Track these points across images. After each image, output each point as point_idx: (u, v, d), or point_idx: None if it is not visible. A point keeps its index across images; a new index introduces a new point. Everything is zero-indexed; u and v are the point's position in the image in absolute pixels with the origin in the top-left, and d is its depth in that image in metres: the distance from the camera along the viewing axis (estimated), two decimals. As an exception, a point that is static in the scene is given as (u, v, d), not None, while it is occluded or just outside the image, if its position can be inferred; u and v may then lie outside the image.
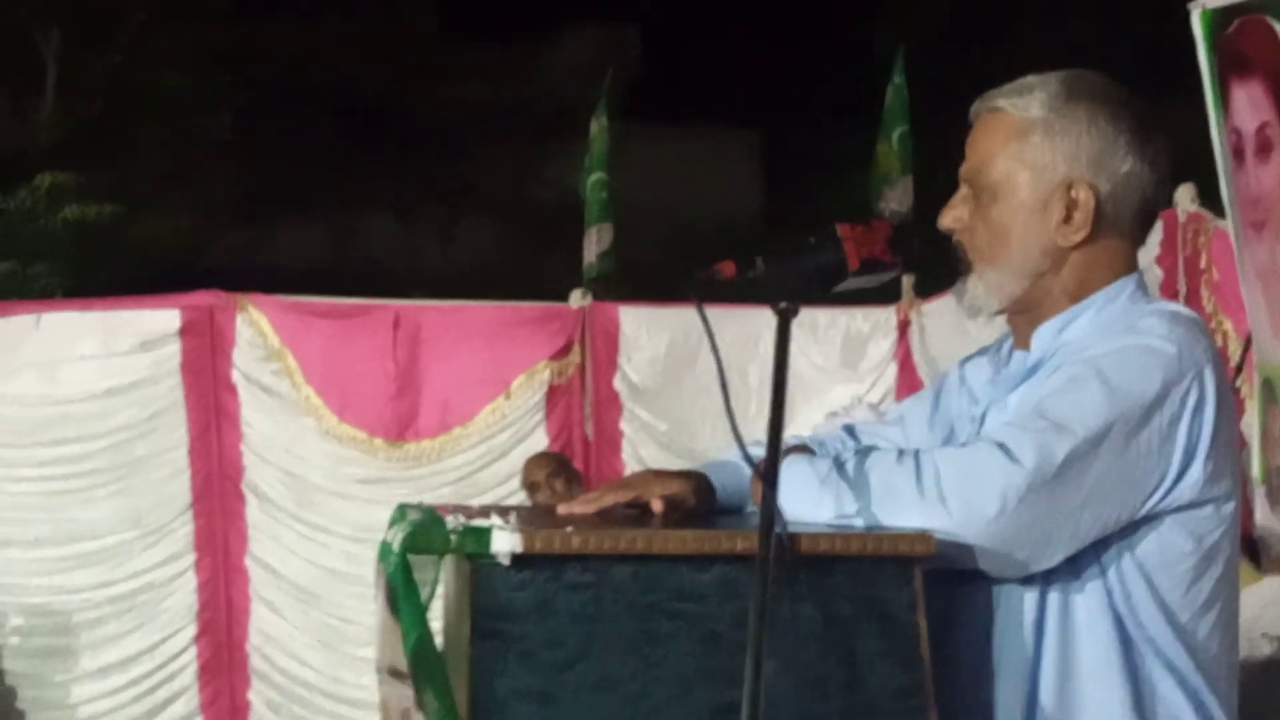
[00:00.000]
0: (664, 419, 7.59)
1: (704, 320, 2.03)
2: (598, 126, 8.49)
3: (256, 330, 7.44)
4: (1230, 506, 2.05)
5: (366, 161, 16.18)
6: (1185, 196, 5.50)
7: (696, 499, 2.11)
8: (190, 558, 7.44)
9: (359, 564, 6.77)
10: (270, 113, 15.41)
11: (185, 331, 7.40)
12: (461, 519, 1.84)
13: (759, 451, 1.92)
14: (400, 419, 7.50)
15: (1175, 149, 2.13)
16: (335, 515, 7.43)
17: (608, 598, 1.80)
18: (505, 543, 1.77)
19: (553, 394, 7.58)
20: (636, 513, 2.05)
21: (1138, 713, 2.00)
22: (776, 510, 1.80)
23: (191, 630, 7.46)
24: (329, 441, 7.45)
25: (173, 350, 7.40)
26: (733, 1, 17.27)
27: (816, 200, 13.58)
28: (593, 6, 17.28)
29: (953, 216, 2.14)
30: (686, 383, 7.41)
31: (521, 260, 15.00)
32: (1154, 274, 5.51)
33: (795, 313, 1.95)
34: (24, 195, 12.62)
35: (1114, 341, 2.02)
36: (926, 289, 7.24)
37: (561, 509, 2.05)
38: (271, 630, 7.52)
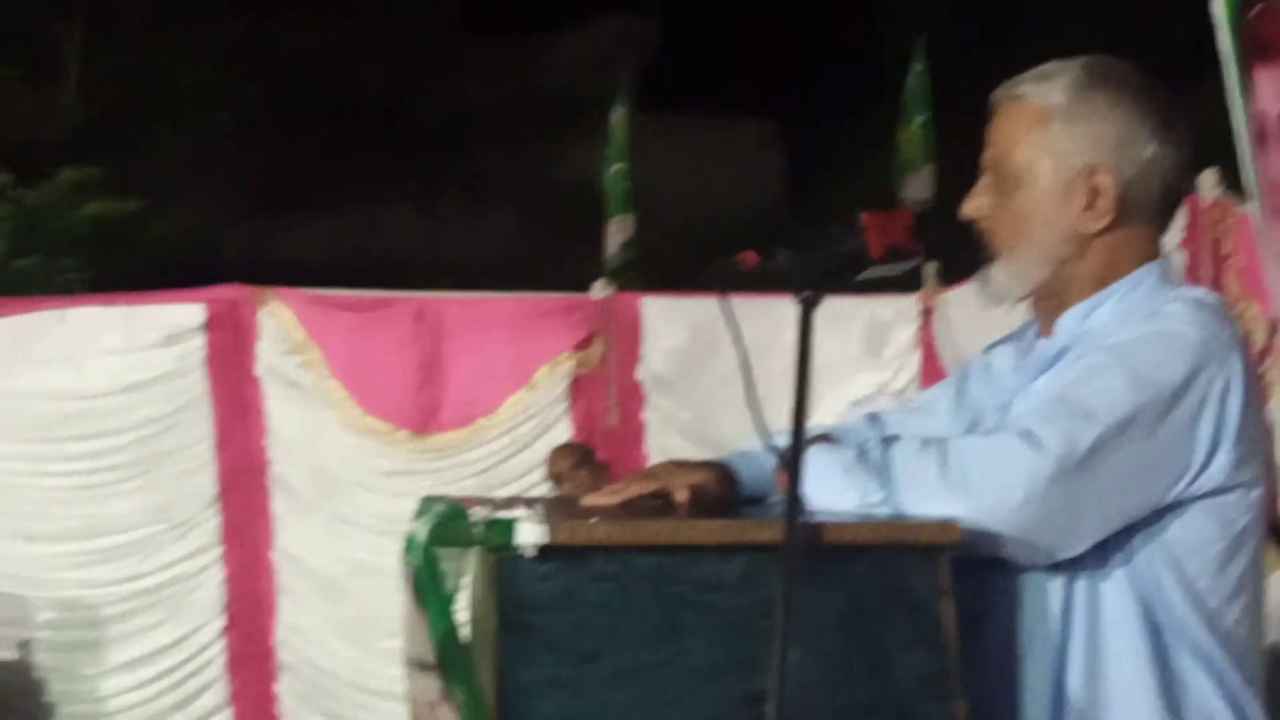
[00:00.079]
0: (687, 408, 7.59)
1: (726, 311, 2.03)
2: (617, 117, 8.50)
3: (280, 324, 7.46)
4: (1257, 492, 2.04)
5: (387, 153, 16.20)
6: (1208, 182, 5.47)
7: (720, 489, 2.11)
8: (217, 550, 7.47)
9: (385, 555, 6.73)
10: (290, 105, 15.45)
11: (209, 325, 7.42)
12: (486, 511, 1.85)
13: (782, 441, 1.92)
14: (424, 411, 7.52)
15: (1198, 134, 2.13)
16: (360, 507, 7.44)
17: (633, 588, 1.80)
18: (530, 535, 1.77)
19: (576, 385, 7.59)
20: (661, 504, 2.05)
21: (1166, 699, 1.99)
22: (801, 500, 1.80)
23: (219, 623, 7.49)
24: (353, 434, 7.47)
25: (197, 344, 7.42)
26: (751, -9, 17.26)
27: (837, 188, 13.57)
28: (611, -2, 17.30)
29: (975, 205, 2.13)
30: (709, 372, 7.40)
31: (542, 250, 15.00)
32: (1177, 259, 5.48)
33: (818, 302, 1.94)
34: (47, 190, 12.66)
35: (1138, 328, 2.02)
36: (949, 276, 7.23)
37: (586, 500, 2.06)
38: (298, 622, 7.54)
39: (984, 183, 2.14)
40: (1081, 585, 1.99)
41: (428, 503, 2.06)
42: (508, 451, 7.52)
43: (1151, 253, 2.12)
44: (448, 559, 1.89)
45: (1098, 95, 2.07)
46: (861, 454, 1.98)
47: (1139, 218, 2.09)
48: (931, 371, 7.41)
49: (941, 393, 2.32)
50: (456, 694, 1.83)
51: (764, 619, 1.75)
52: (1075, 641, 2.00)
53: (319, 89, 15.92)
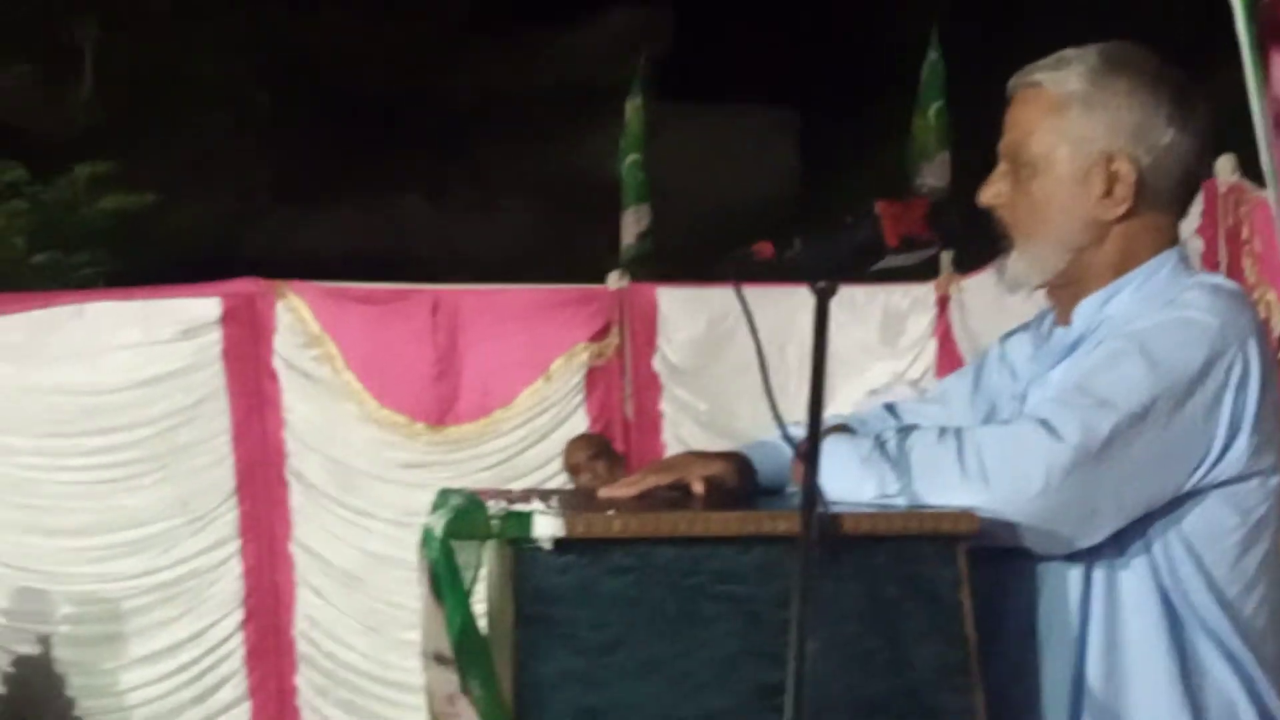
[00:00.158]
0: (703, 399, 7.58)
1: (742, 302, 2.02)
2: (632, 108, 8.49)
3: (296, 317, 7.47)
4: (1276, 480, 2.03)
5: (402, 146, 16.20)
6: (1226, 167, 5.45)
7: (737, 480, 2.11)
8: (235, 544, 7.48)
9: (402, 547, 6.79)
10: (305, 98, 15.46)
11: (226, 319, 7.43)
12: (503, 504, 1.85)
13: (799, 432, 1.91)
14: (441, 403, 7.52)
15: (1214, 119, 2.11)
16: (378, 499, 7.46)
17: (650, 580, 1.80)
18: (547, 527, 1.77)
19: (592, 376, 7.59)
20: (678, 495, 2.05)
21: (1185, 688, 1.98)
22: (818, 490, 1.80)
23: (238, 616, 7.50)
24: (370, 426, 7.48)
25: (214, 338, 7.43)
26: (765, -22, 17.22)
27: (853, 176, 13.54)
28: (626, -14, 17.29)
29: (993, 192, 2.13)
30: (725, 362, 7.40)
31: (559, 240, 15.00)
32: (1195, 245, 5.46)
33: (834, 292, 1.93)
34: (63, 185, 12.69)
35: (1156, 315, 2.01)
36: (965, 264, 7.21)
37: (603, 492, 2.06)
38: (317, 615, 7.55)
39: (1001, 170, 2.13)
40: (1100, 574, 1.99)
41: (444, 496, 2.06)
42: (524, 443, 7.53)
43: (1169, 240, 2.11)
44: (465, 552, 1.89)
45: (1115, 82, 2.06)
46: (879, 444, 1.97)
47: (1157, 204, 2.08)
48: (948, 360, 7.39)
49: (958, 382, 2.32)
50: (474, 687, 1.83)
51: (782, 610, 1.75)
52: (1094, 630, 1.99)
53: (333, 82, 15.92)
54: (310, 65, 15.70)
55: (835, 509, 1.83)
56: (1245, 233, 5.44)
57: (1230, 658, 2.00)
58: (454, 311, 7.57)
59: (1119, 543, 1.97)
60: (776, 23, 17.35)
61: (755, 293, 2.02)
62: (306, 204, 16.48)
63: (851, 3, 16.61)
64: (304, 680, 7.59)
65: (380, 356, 7.49)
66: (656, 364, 7.66)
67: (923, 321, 7.61)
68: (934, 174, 8.24)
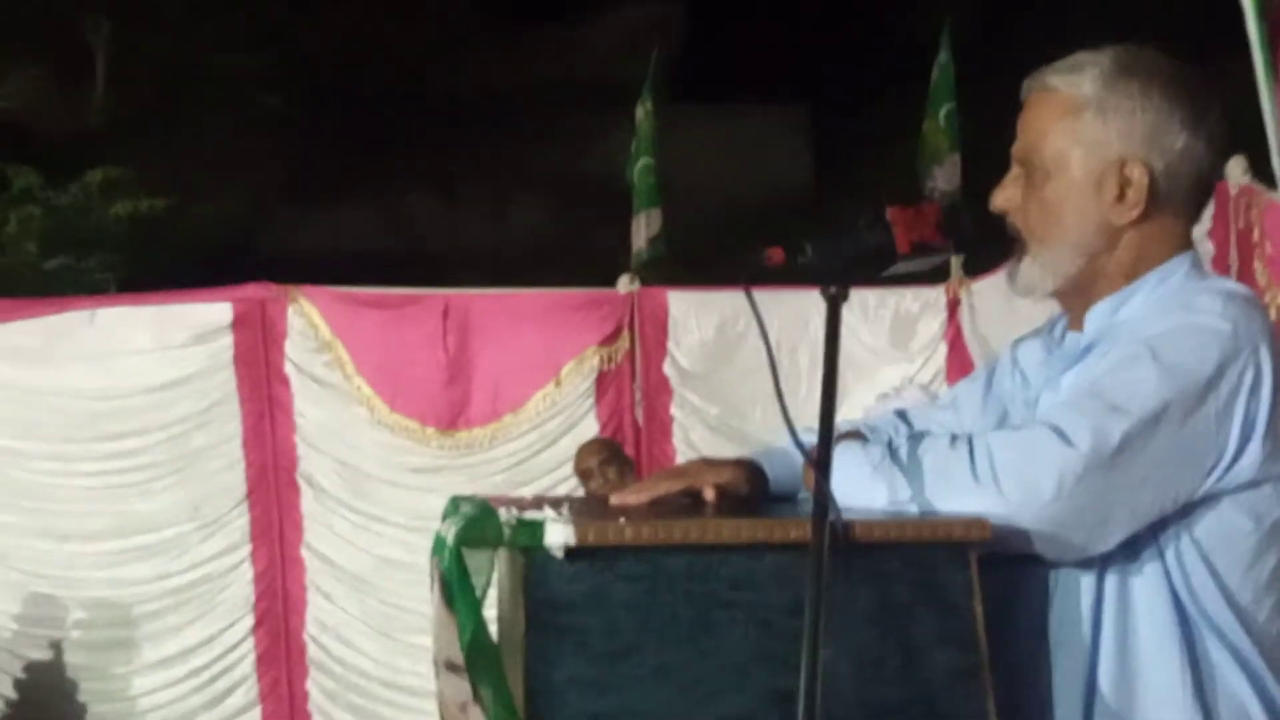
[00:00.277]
0: (714, 403, 7.58)
1: (753, 306, 2.02)
2: (643, 111, 8.47)
3: (308, 321, 7.49)
4: (1289, 485, 2.03)
5: (413, 145, 16.22)
6: (1237, 169, 5.44)
7: (749, 487, 2.10)
8: (247, 548, 7.50)
9: (413, 552, 6.80)
10: (315, 102, 15.48)
11: (237, 324, 7.45)
12: (514, 511, 1.84)
13: (811, 438, 1.91)
14: (451, 407, 7.53)
15: (1228, 123, 2.11)
16: (389, 504, 7.46)
17: (662, 588, 1.79)
18: (559, 535, 1.76)
19: (602, 380, 7.59)
20: (689, 502, 2.04)
21: (1198, 695, 1.97)
22: (830, 498, 1.79)
23: (249, 620, 7.52)
24: (381, 431, 7.49)
25: (226, 343, 7.45)
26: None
27: (864, 175, 13.53)
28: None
29: (1005, 197, 2.12)
30: (736, 366, 7.40)
31: (571, 238, 15.01)
32: (1206, 247, 5.45)
33: (845, 297, 1.93)
34: (75, 191, 12.72)
35: (1168, 320, 2.00)
36: (975, 267, 7.20)
37: (614, 499, 2.05)
38: (328, 619, 7.56)
39: (1013, 174, 2.12)
40: (1112, 580, 1.98)
41: (456, 503, 2.05)
42: (535, 447, 7.53)
43: (1182, 244, 2.11)
44: (476, 560, 1.88)
45: (1129, 85, 2.05)
46: (890, 451, 1.97)
47: (1170, 209, 2.08)
48: (958, 362, 7.39)
49: (969, 388, 2.31)
50: (486, 695, 1.83)
51: (794, 617, 1.74)
52: (1106, 636, 1.98)
53: (343, 84, 15.95)
54: (321, 67, 15.72)
55: (847, 516, 1.83)
56: (1256, 235, 5.43)
57: (1243, 664, 1.99)
58: (464, 316, 7.58)
59: (1131, 548, 1.96)
60: (786, 21, 17.35)
61: (766, 296, 2.02)
62: (319, 205, 16.51)
63: (862, 2, 16.60)
64: (315, 685, 7.60)
65: (391, 361, 7.50)
66: (667, 368, 7.66)
67: (933, 324, 7.61)
68: (944, 177, 8.22)
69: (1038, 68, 2.13)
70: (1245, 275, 5.31)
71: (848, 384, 6.59)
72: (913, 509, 1.92)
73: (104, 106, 14.88)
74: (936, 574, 1.83)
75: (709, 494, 2.05)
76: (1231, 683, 1.98)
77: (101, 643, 7.43)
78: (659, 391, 7.64)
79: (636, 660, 1.78)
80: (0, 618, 7.31)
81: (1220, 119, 2.08)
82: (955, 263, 7.37)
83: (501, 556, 1.93)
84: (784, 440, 2.05)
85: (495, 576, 1.95)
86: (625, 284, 7.71)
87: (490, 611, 1.93)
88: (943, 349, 7.57)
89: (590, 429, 7.46)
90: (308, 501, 7.53)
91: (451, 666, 1.95)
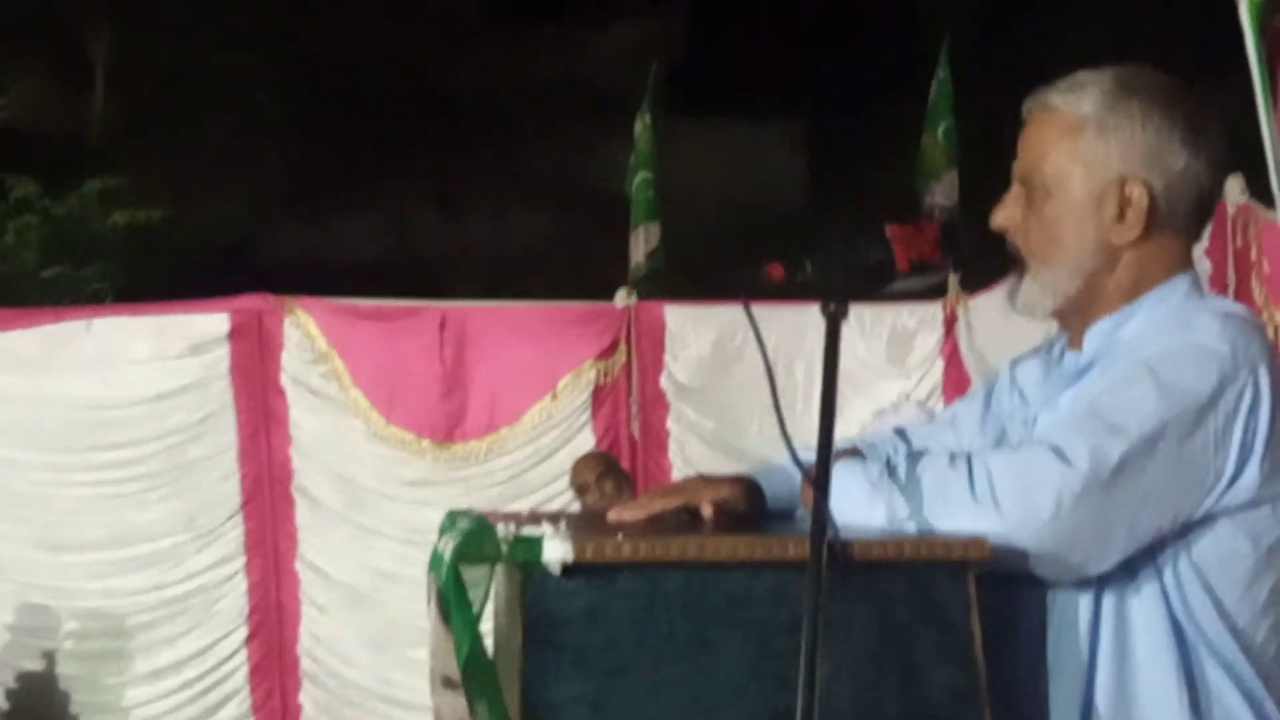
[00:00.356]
0: (711, 417, 7.58)
1: (752, 321, 2.02)
2: (642, 125, 8.48)
3: (304, 333, 7.48)
4: (1288, 506, 2.02)
5: (413, 147, 16.21)
6: (1235, 188, 5.44)
7: (746, 504, 2.10)
8: (241, 560, 7.49)
9: (408, 565, 6.80)
10: (314, 107, 15.49)
11: (234, 335, 7.45)
12: (512, 528, 1.84)
13: (809, 455, 1.91)
14: (448, 420, 7.53)
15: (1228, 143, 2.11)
16: (384, 516, 7.46)
17: (660, 605, 1.79)
18: (556, 552, 1.76)
19: (599, 393, 7.59)
20: (687, 519, 2.04)
21: (1194, 714, 1.97)
22: (828, 516, 1.79)
23: (243, 632, 7.50)
24: (377, 443, 7.48)
25: (222, 354, 7.45)
26: (774, -9, 17.26)
27: (862, 189, 13.54)
28: (636, -4, 17.33)
29: (1005, 215, 2.12)
30: (733, 380, 7.40)
31: (570, 247, 15.01)
32: (1203, 266, 5.45)
33: (845, 314, 1.93)
34: (73, 200, 12.72)
35: (1167, 340, 2.00)
36: (973, 284, 7.21)
37: (612, 516, 2.05)
38: (322, 632, 7.55)
39: (1014, 193, 2.13)
40: (1109, 600, 1.98)
41: (453, 518, 2.05)
42: (531, 461, 7.53)
43: (1182, 264, 2.11)
44: (473, 574, 1.88)
45: (1130, 105, 2.06)
46: (889, 469, 1.97)
47: (1170, 229, 2.08)
48: (955, 378, 7.39)
49: (968, 406, 2.31)
50: (482, 711, 1.83)
51: (792, 635, 1.74)
52: (1103, 656, 1.98)
53: (341, 93, 15.95)
54: (319, 75, 15.73)
55: (845, 535, 1.82)
56: (1254, 254, 5.43)
57: (1240, 685, 1.99)
58: (461, 328, 7.58)
59: (1129, 569, 1.96)
60: (785, 36, 17.37)
61: (764, 311, 2.03)
62: (317, 213, 16.51)
63: (860, 15, 16.62)
64: (308, 698, 7.58)
65: (388, 373, 7.50)
66: (664, 382, 7.66)
67: (930, 340, 7.61)
68: (943, 193, 8.24)
69: (1036, 84, 2.14)
70: (1243, 294, 5.32)
71: (844, 399, 6.55)
72: (911, 527, 1.92)
73: (103, 115, 14.89)
74: (935, 593, 1.83)
75: (707, 511, 2.04)
76: (1228, 702, 1.98)
77: (95, 653, 7.41)
78: (655, 405, 7.64)
79: (634, 677, 1.78)
80: (-6, 628, 7.31)
81: (1221, 139, 2.09)
82: (952, 279, 7.37)
83: (499, 572, 1.93)
84: (782, 456, 2.05)
85: (492, 592, 1.95)
86: (623, 297, 7.71)
87: (487, 626, 1.93)
88: (939, 365, 7.57)
89: (587, 442, 7.45)
90: (303, 513, 7.52)
91: (448, 683, 1.94)
